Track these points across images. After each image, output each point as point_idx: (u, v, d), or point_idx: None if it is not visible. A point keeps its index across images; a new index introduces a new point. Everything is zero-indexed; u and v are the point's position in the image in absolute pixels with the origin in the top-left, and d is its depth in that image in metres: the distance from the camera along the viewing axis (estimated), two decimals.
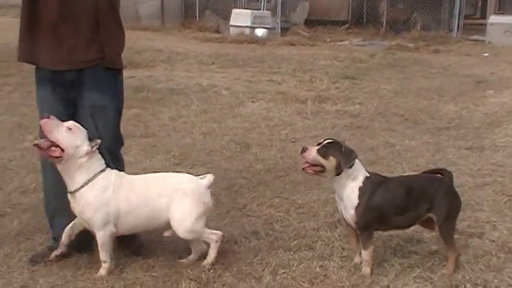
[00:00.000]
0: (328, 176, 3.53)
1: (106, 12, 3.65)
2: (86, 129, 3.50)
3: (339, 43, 17.18)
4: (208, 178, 3.73)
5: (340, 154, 3.44)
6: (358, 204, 3.50)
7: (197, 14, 20.86)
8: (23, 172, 5.19)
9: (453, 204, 3.65)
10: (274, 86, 10.03)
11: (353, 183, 3.51)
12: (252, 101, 8.75)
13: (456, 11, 18.12)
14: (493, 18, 17.38)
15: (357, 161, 3.53)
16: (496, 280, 3.60)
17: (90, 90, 3.67)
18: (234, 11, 18.55)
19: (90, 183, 3.41)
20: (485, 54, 14.65)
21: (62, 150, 3.32)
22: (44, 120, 3.33)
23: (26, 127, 6.48)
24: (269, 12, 18.62)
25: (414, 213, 3.61)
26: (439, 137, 6.92)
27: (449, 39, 17.38)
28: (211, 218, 4.40)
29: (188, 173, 5.29)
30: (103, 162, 3.52)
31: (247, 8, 18.95)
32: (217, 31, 18.69)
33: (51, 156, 3.34)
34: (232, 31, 17.81)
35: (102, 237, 3.49)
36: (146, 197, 3.53)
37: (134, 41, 14.92)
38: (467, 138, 6.89)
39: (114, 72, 3.80)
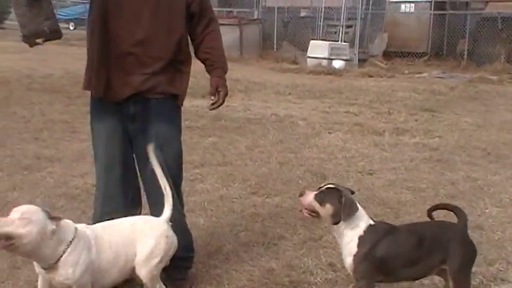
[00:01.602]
0: (326, 223, 3.35)
1: (184, 49, 3.63)
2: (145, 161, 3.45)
3: (417, 75, 16.98)
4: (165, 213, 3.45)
5: (339, 202, 3.20)
6: (357, 253, 3.22)
7: (275, 45, 21.12)
8: None
9: (468, 254, 3.35)
10: (351, 118, 9.98)
11: (352, 232, 3.24)
12: (329, 132, 8.73)
13: None
14: None
15: (360, 209, 3.30)
16: None
17: (158, 122, 3.60)
18: (312, 42, 18.63)
19: (72, 246, 3.08)
20: None
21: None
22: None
23: None
24: (347, 43, 18.61)
25: (426, 265, 3.30)
26: None
27: None
28: (286, 248, 4.41)
29: (264, 201, 5.38)
30: (73, 226, 3.19)
31: (324, 40, 18.98)
32: (294, 62, 18.83)
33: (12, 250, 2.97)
34: (310, 62, 17.89)
35: None
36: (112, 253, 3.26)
37: None
38: None
39: (178, 104, 3.74)
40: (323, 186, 3.34)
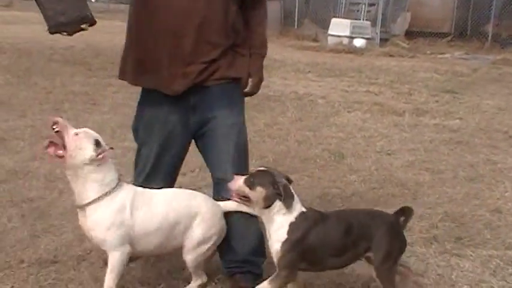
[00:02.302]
0: (255, 208, 3.12)
1: (241, 31, 3.41)
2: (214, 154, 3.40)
3: (439, 56, 16.85)
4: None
5: (271, 185, 3.02)
6: (286, 240, 3.04)
7: (296, 23, 20.98)
8: (123, 170, 5.35)
9: (395, 245, 3.17)
10: (371, 97, 9.94)
11: (283, 218, 3.06)
12: (348, 111, 8.71)
13: None
14: None
15: (295, 196, 3.12)
16: None
17: (221, 109, 3.38)
18: (333, 20, 18.50)
19: (104, 200, 3.06)
20: None
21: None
22: (59, 119, 3.09)
23: (127, 127, 6.65)
24: (369, 22, 18.47)
25: (352, 254, 3.15)
26: None
27: None
28: None
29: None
30: (117, 176, 3.15)
31: (346, 18, 18.85)
32: (315, 40, 18.74)
33: (56, 155, 3.06)
34: (330, 40, 17.80)
35: (115, 258, 3.08)
36: (165, 219, 3.19)
37: None
38: None
39: (240, 87, 3.50)
40: (252, 170, 3.18)
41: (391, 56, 16.19)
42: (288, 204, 3.03)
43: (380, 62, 14.48)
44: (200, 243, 3.24)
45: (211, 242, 3.28)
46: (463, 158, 6.51)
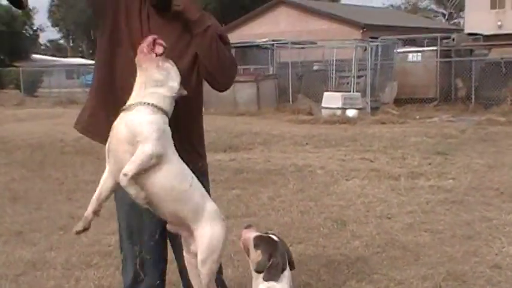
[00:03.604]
0: (251, 264, 3.08)
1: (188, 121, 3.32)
2: None
3: (428, 120, 16.97)
4: None
5: (268, 258, 2.98)
6: None
7: (290, 98, 21.25)
8: None
9: None
10: (367, 164, 9.96)
11: (262, 286, 2.99)
12: (346, 179, 8.69)
13: None
14: None
15: (287, 273, 3.02)
16: None
17: None
18: (325, 94, 18.76)
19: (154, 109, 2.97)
20: None
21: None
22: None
23: None
24: (359, 93, 18.73)
25: None
26: None
27: None
28: None
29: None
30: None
31: (337, 91, 19.13)
32: (309, 113, 18.91)
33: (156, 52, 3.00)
34: (324, 112, 17.98)
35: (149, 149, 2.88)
36: None
37: (233, 126, 15.40)
38: None
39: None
40: (269, 233, 3.13)
41: (382, 123, 16.31)
42: (268, 279, 2.95)
43: (373, 130, 14.59)
44: (210, 252, 3.06)
45: (218, 252, 3.10)
46: (459, 216, 6.47)
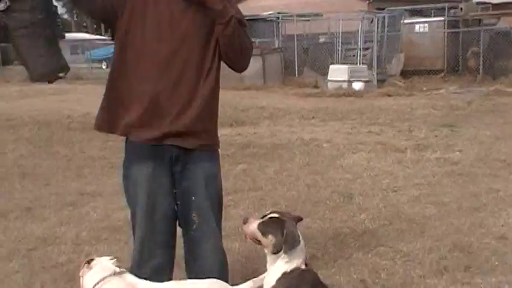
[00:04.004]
0: (265, 250, 3.10)
1: (211, 95, 3.38)
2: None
3: (435, 92, 16.90)
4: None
5: (281, 234, 3.00)
6: (273, 287, 3.02)
7: (296, 71, 21.22)
8: None
9: None
10: (374, 137, 9.99)
11: (282, 265, 3.03)
12: (353, 152, 8.73)
13: None
14: None
15: (301, 244, 3.08)
16: None
17: (202, 160, 3.39)
18: (332, 66, 18.71)
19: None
20: None
21: None
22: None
23: None
24: (365, 66, 18.67)
25: None
26: None
27: None
28: (318, 267, 4.44)
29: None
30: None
31: (343, 63, 19.07)
32: (316, 86, 18.90)
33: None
34: (331, 85, 17.95)
35: None
36: None
37: (239, 100, 15.38)
38: None
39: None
40: (267, 215, 3.13)
41: (389, 95, 16.28)
42: (287, 250, 3.00)
43: (379, 103, 14.58)
44: None
45: None
46: (466, 188, 6.52)
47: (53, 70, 3.20)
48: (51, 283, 4.34)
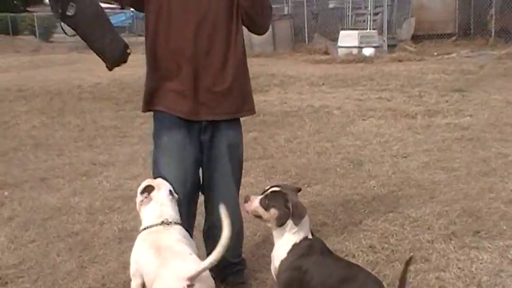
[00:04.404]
0: (270, 225, 3.15)
1: (242, 60, 3.51)
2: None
3: (446, 56, 16.77)
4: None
5: (284, 206, 3.04)
6: (285, 258, 3.07)
7: (306, 38, 21.10)
8: None
9: None
10: (384, 103, 9.97)
11: (291, 237, 3.09)
12: (363, 119, 8.75)
13: None
14: None
15: (306, 216, 3.12)
16: None
17: (227, 129, 3.51)
18: (342, 32, 18.59)
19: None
20: None
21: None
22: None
23: None
24: (375, 31, 18.49)
25: None
26: None
27: None
28: (328, 233, 4.51)
29: (305, 191, 5.40)
30: None
31: (354, 29, 18.92)
32: (326, 53, 18.80)
33: None
34: (341, 52, 17.87)
35: None
36: None
37: (249, 67, 15.33)
38: None
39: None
40: (268, 190, 3.16)
41: (399, 61, 16.17)
42: (297, 222, 3.06)
43: (389, 68, 14.50)
44: None
45: None
46: (476, 154, 6.52)
47: (123, 50, 3.26)
48: (66, 251, 4.43)
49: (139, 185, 3.39)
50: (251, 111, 3.62)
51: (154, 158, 3.59)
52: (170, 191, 3.30)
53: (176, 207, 3.29)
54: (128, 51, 3.28)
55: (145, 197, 3.26)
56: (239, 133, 3.62)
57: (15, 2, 39.10)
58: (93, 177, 6.36)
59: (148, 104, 3.49)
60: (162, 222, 3.17)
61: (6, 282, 4.01)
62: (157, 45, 3.38)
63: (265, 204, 3.08)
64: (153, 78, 3.45)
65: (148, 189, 3.27)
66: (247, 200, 3.15)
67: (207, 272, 2.90)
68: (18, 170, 6.78)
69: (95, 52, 3.28)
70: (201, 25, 3.31)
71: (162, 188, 3.29)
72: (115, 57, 3.27)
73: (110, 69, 3.34)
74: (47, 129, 9.07)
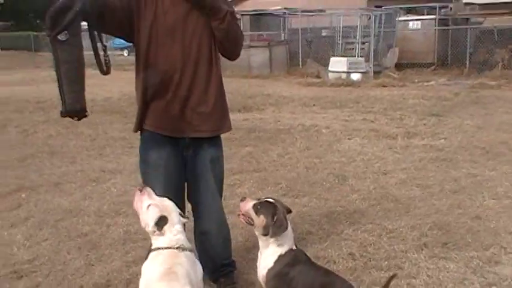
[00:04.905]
0: (256, 231, 3.16)
1: (221, 83, 3.56)
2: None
3: (425, 83, 16.78)
4: None
5: (271, 218, 3.07)
6: (272, 267, 3.10)
7: (300, 62, 21.13)
8: None
9: None
10: (368, 124, 9.99)
11: (276, 248, 3.11)
12: (348, 138, 8.76)
13: None
14: None
15: (289, 230, 3.15)
16: None
17: (209, 146, 3.57)
18: (332, 58, 18.64)
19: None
20: None
21: None
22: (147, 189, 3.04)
23: None
24: (363, 58, 18.56)
25: None
26: None
27: None
28: (313, 241, 4.55)
29: (293, 202, 5.43)
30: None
31: (343, 56, 18.99)
32: (317, 76, 18.81)
33: None
34: (331, 76, 17.89)
35: None
36: None
37: (247, 88, 15.40)
38: None
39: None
40: (263, 199, 3.21)
41: (383, 86, 16.15)
42: (274, 235, 3.08)
43: (374, 93, 14.52)
44: None
45: None
46: (448, 173, 6.56)
47: (82, 109, 3.14)
48: (75, 250, 4.47)
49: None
50: (229, 128, 3.66)
51: (142, 171, 3.62)
52: (180, 215, 3.05)
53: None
54: (86, 114, 3.16)
55: (161, 230, 2.95)
56: (220, 148, 3.67)
57: (37, 22, 39.15)
58: (102, 183, 6.39)
59: (140, 123, 3.51)
60: (178, 248, 2.94)
61: (21, 276, 4.06)
62: (147, 71, 3.41)
63: (257, 209, 3.11)
64: (142, 100, 3.45)
65: (161, 223, 2.93)
66: (243, 199, 3.19)
67: None
68: (35, 174, 6.81)
69: (58, 88, 3.12)
70: (187, 54, 3.36)
71: (175, 218, 2.98)
72: (70, 108, 3.11)
73: (62, 116, 3.15)
74: (62, 138, 9.10)
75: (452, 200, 5.53)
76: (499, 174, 6.46)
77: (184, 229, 3.00)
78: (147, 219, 2.92)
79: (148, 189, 3.02)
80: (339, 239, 4.60)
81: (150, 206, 2.93)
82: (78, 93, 3.12)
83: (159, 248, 2.92)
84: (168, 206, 3.00)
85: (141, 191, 3.00)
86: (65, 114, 3.13)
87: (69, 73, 3.09)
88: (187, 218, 3.16)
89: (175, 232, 2.94)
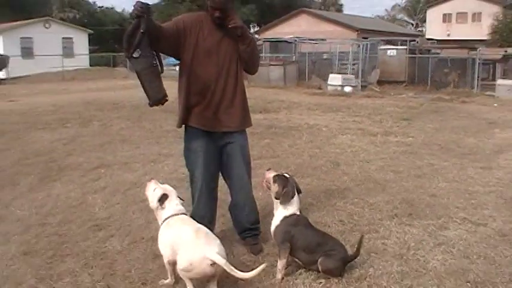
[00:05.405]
0: (272, 195, 3.18)
1: (244, 91, 3.57)
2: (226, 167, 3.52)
3: (399, 96, 16.53)
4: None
5: (283, 187, 3.08)
6: (278, 225, 3.10)
7: (307, 77, 20.97)
8: None
9: (335, 263, 3.08)
10: (356, 125, 9.89)
11: (283, 211, 3.11)
12: (342, 135, 8.68)
13: (476, 75, 17.22)
14: (500, 81, 16.35)
15: (295, 199, 3.12)
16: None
17: (238, 136, 3.55)
18: (330, 75, 18.48)
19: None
20: (495, 105, 13.57)
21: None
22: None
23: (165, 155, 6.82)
24: (353, 75, 18.39)
25: (311, 257, 3.07)
26: (462, 160, 6.59)
27: (471, 94, 16.27)
28: (313, 211, 4.52)
29: (300, 181, 5.39)
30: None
31: (339, 73, 18.83)
32: (319, 88, 18.64)
33: None
34: (330, 88, 17.73)
35: None
36: None
37: (266, 95, 15.33)
38: (481, 160, 6.53)
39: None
40: (283, 172, 3.20)
41: (368, 97, 15.97)
42: (283, 202, 3.09)
43: (361, 101, 14.38)
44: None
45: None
46: (414, 162, 6.48)
47: (163, 96, 3.18)
48: (138, 212, 4.52)
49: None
50: (250, 124, 3.65)
51: (186, 155, 3.62)
52: (178, 197, 3.16)
53: None
54: (166, 98, 3.17)
55: (162, 205, 3.07)
56: (246, 139, 3.65)
57: (116, 46, 39.80)
58: (158, 163, 6.42)
59: (182, 121, 3.52)
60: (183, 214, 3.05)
61: (101, 228, 4.13)
62: (189, 82, 3.42)
63: (275, 179, 3.14)
64: (184, 105, 3.46)
65: (163, 199, 3.07)
66: (268, 169, 3.24)
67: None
68: (110, 156, 6.88)
69: (143, 89, 3.16)
70: (220, 70, 3.39)
71: (174, 196, 3.12)
72: (155, 99, 3.15)
73: (151, 106, 3.20)
74: (130, 130, 9.15)
75: (416, 182, 5.46)
76: (450, 164, 6.37)
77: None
78: (153, 198, 3.07)
79: (155, 180, 3.17)
80: (332, 209, 4.58)
81: (156, 189, 3.10)
82: (157, 87, 3.15)
83: (167, 218, 3.02)
84: (169, 189, 3.16)
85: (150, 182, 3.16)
86: (152, 104, 3.18)
87: (147, 77, 3.14)
88: (183, 200, 3.21)
89: (175, 205, 3.07)
